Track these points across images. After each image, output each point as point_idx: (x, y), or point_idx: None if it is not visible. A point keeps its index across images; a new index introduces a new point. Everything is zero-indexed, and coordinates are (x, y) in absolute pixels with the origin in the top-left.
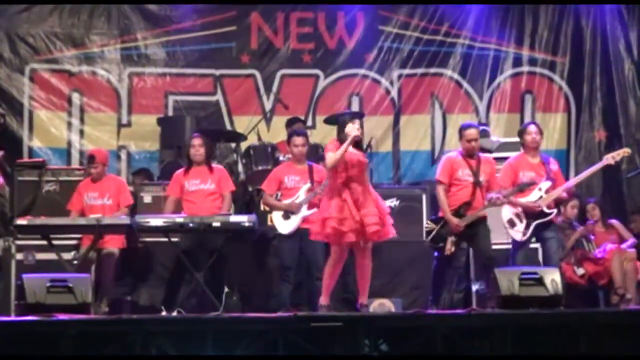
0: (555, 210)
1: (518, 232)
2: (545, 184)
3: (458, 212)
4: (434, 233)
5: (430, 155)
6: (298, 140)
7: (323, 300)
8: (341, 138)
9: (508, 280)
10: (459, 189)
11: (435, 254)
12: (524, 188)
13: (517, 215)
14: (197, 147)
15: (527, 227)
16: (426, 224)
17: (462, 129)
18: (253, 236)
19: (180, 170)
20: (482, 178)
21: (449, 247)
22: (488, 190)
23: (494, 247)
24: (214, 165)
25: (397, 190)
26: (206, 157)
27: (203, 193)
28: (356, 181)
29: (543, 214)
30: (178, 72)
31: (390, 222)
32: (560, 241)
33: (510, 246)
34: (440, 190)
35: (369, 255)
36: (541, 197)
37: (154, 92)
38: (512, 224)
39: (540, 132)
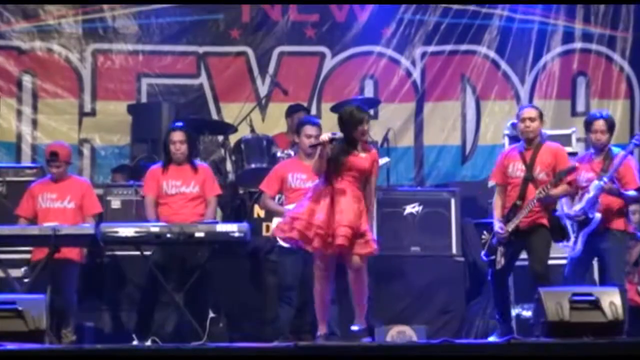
0: (599, 215)
1: (567, 245)
2: (596, 184)
3: (508, 217)
4: (487, 245)
5: (461, 151)
6: (311, 129)
7: (320, 328)
8: (348, 136)
9: (556, 303)
10: (510, 188)
11: (490, 270)
12: (562, 176)
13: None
14: (177, 144)
15: (576, 241)
16: (483, 234)
17: (519, 110)
18: (245, 249)
19: (157, 166)
20: (537, 171)
21: (499, 260)
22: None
23: (553, 261)
24: (199, 163)
25: (420, 194)
26: (189, 154)
27: (184, 197)
28: (347, 187)
29: (588, 221)
30: (153, 49)
31: (370, 237)
32: (621, 254)
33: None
34: (496, 194)
35: (359, 271)
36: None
37: (123, 73)
38: (559, 237)
39: (609, 129)
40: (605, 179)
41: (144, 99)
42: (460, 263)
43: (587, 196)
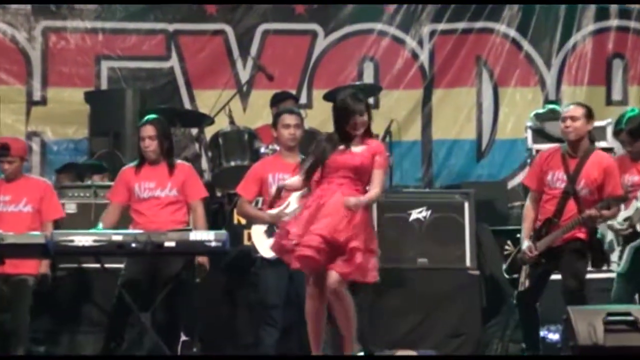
0: None
1: (613, 262)
2: None
3: (540, 233)
4: (509, 259)
5: (476, 145)
6: (289, 119)
7: (314, 352)
8: (340, 129)
9: (588, 324)
10: (547, 199)
11: (515, 291)
12: (611, 205)
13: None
14: (147, 140)
15: (621, 256)
16: (507, 244)
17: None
18: (223, 260)
19: (130, 166)
20: (580, 186)
21: (522, 281)
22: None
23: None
24: (178, 162)
25: (428, 196)
26: (163, 151)
27: (158, 202)
28: (336, 191)
29: (636, 235)
30: (115, 27)
31: (357, 259)
32: None
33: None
34: (527, 200)
35: (335, 294)
36: (637, 209)
37: (80, 55)
38: (598, 262)
39: None
40: None
41: (104, 85)
42: (475, 277)
43: (635, 204)
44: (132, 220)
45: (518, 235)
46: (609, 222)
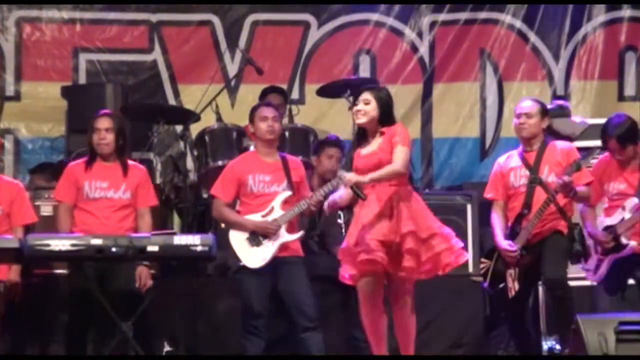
0: (634, 244)
1: (588, 270)
2: (631, 202)
3: (513, 231)
4: (489, 273)
5: (479, 144)
6: (266, 111)
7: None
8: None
9: (599, 334)
10: (512, 200)
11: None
12: (580, 166)
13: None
14: (102, 132)
15: (599, 264)
16: (480, 262)
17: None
18: (210, 267)
19: (78, 162)
20: (545, 172)
21: (511, 286)
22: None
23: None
24: (132, 163)
25: (428, 198)
26: (117, 147)
27: (111, 204)
28: (369, 194)
29: (619, 247)
30: (94, 17)
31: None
32: None
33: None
34: (492, 211)
35: (402, 301)
36: (622, 219)
37: (56, 47)
38: (576, 257)
39: None
40: None
41: (82, 80)
42: (479, 284)
43: (619, 214)
44: (75, 221)
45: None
46: (590, 230)
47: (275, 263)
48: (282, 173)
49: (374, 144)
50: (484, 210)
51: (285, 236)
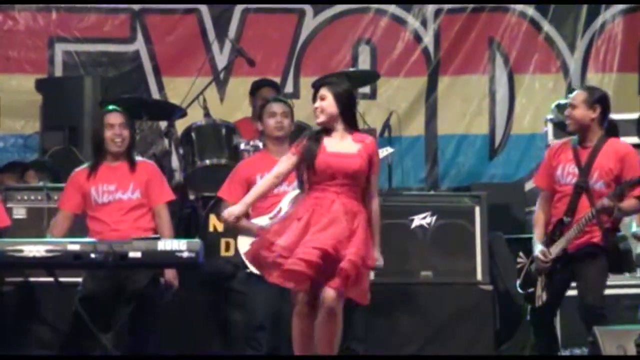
0: None
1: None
2: None
3: (552, 236)
4: (523, 272)
5: (488, 141)
6: (275, 106)
7: None
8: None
9: (618, 346)
10: (558, 198)
11: (529, 307)
12: (625, 191)
13: None
14: (117, 128)
15: None
16: (519, 256)
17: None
18: (197, 274)
19: (81, 169)
20: (593, 179)
21: (539, 294)
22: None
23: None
24: (140, 159)
25: (433, 200)
26: (129, 147)
27: (121, 206)
28: (330, 198)
29: None
30: (71, 4)
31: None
32: None
33: None
34: (538, 201)
35: (330, 313)
36: None
37: (30, 38)
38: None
39: None
40: None
41: (58, 72)
42: (488, 293)
43: None
44: (89, 230)
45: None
46: (634, 230)
47: None
48: (292, 172)
49: (348, 145)
50: (493, 213)
51: None
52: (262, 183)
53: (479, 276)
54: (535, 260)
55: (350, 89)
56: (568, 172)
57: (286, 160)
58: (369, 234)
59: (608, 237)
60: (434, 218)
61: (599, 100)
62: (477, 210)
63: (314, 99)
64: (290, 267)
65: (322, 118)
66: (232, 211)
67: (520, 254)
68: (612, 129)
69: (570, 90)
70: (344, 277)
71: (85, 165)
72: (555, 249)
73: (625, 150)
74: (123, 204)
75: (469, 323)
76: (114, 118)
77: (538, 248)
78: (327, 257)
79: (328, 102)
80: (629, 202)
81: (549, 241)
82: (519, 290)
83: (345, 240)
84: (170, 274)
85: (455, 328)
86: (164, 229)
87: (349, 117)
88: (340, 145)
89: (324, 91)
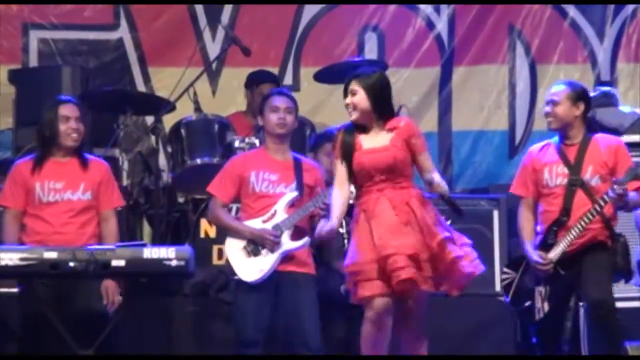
0: None
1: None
2: None
3: (545, 242)
4: (513, 286)
5: (508, 138)
6: (278, 100)
7: None
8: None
9: None
10: (548, 201)
11: (531, 328)
12: (637, 175)
13: None
14: (73, 122)
15: None
16: (503, 272)
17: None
18: (186, 284)
19: (25, 162)
20: (588, 173)
21: (540, 306)
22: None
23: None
24: (92, 157)
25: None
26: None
27: (69, 208)
28: (374, 198)
29: None
30: None
31: (471, 256)
32: None
33: None
34: (520, 210)
35: (414, 331)
36: None
37: (2, 24)
38: (619, 273)
39: None
40: None
41: (33, 62)
42: (508, 305)
43: None
44: (26, 229)
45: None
46: None
47: (278, 278)
48: (291, 173)
49: (382, 138)
50: (513, 217)
51: (287, 244)
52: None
53: (498, 287)
54: (533, 268)
55: (382, 77)
56: (557, 174)
57: (340, 169)
58: (432, 211)
59: (616, 239)
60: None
61: (583, 96)
62: (496, 214)
63: (345, 94)
64: (404, 276)
65: (355, 115)
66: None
67: (505, 269)
68: (592, 125)
69: (599, 82)
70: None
71: (27, 158)
72: (555, 252)
73: (617, 143)
74: (72, 204)
75: (487, 339)
76: (70, 110)
77: (534, 254)
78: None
79: (360, 97)
80: (632, 195)
81: (542, 248)
82: (511, 306)
83: (417, 235)
84: (108, 282)
85: (472, 342)
86: (110, 237)
87: (383, 109)
88: (375, 140)
89: (354, 85)
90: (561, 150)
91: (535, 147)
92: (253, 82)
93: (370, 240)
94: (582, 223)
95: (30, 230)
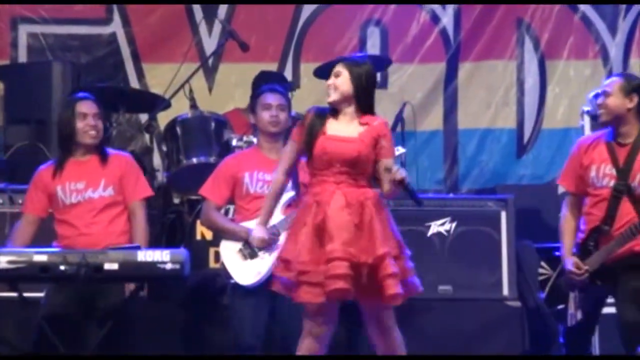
0: None
1: None
2: None
3: (586, 246)
4: (549, 286)
5: (516, 137)
6: (270, 97)
7: None
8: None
9: None
10: (592, 203)
11: (561, 327)
12: None
13: None
14: (90, 119)
15: None
16: (541, 267)
17: None
18: (182, 288)
19: (46, 167)
20: (636, 181)
21: (572, 312)
22: None
23: None
24: (112, 152)
25: (453, 204)
26: (102, 138)
27: (92, 206)
28: (329, 190)
29: None
30: None
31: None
32: None
33: None
34: (563, 207)
35: (386, 325)
36: None
37: None
38: None
39: None
40: None
41: (23, 58)
42: (516, 310)
43: None
44: (57, 236)
45: (557, 253)
46: None
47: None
48: None
49: (351, 129)
50: (521, 219)
51: None
52: (271, 190)
53: (505, 291)
54: (566, 274)
55: (370, 69)
56: (604, 174)
57: (290, 150)
58: (384, 217)
59: None
60: (454, 225)
61: (637, 89)
62: (503, 215)
63: (329, 75)
64: (332, 287)
65: (333, 96)
66: (259, 238)
67: (543, 264)
68: None
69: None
70: (395, 281)
71: (48, 163)
72: (593, 263)
73: None
74: (94, 203)
75: (493, 345)
76: (88, 107)
77: (570, 260)
78: (355, 266)
79: (343, 80)
80: None
81: (582, 252)
82: (544, 306)
83: (363, 242)
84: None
85: (479, 348)
86: (137, 230)
87: (364, 101)
88: (343, 129)
89: (340, 67)
90: (612, 148)
91: (585, 140)
92: (258, 83)
93: (321, 237)
94: (624, 239)
95: (60, 236)
